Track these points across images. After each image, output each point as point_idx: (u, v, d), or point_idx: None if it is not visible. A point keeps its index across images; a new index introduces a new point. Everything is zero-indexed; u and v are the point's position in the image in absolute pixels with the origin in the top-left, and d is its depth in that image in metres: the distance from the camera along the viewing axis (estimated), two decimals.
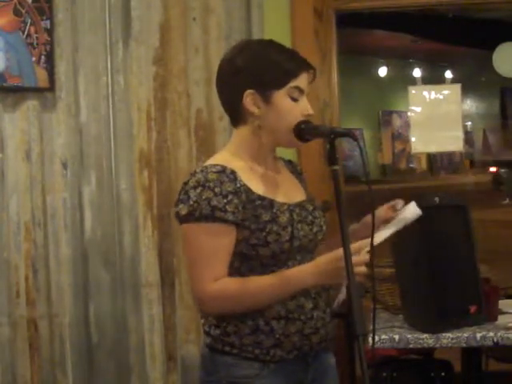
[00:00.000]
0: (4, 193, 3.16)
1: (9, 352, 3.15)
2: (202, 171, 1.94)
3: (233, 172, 1.94)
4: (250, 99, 1.98)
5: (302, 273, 1.91)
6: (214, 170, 1.93)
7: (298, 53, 2.05)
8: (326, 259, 1.88)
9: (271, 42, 2.06)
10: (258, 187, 1.98)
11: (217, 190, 1.90)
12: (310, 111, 2.01)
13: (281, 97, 1.97)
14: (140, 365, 3.31)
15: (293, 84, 1.98)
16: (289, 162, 2.22)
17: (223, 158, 2.01)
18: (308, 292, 1.98)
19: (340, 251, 1.80)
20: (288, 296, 1.94)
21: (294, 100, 1.98)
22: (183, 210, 1.92)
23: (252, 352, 1.96)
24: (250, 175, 1.99)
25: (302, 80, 1.99)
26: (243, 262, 1.96)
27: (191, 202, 1.90)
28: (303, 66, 2.00)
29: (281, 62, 1.98)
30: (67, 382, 3.23)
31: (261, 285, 1.92)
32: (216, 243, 1.91)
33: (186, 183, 1.95)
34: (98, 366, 3.28)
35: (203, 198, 1.89)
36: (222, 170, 1.93)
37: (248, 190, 1.95)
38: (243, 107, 1.99)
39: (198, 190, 1.90)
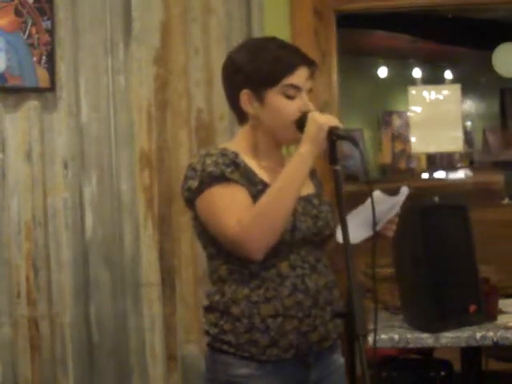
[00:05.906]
0: (5, 193, 3.16)
1: (10, 352, 3.15)
2: (204, 151, 1.99)
3: (235, 153, 1.96)
4: (245, 99, 1.99)
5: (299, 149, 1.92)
6: (215, 150, 1.98)
7: (296, 48, 2.02)
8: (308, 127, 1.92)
9: (270, 40, 2.04)
10: (261, 174, 1.99)
11: (220, 160, 1.93)
12: (309, 107, 1.99)
13: (274, 95, 1.97)
14: (141, 365, 3.31)
15: (287, 82, 1.96)
16: None
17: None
18: (307, 290, 1.95)
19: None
20: (304, 176, 1.93)
21: (290, 98, 1.97)
22: (194, 183, 1.94)
23: (248, 351, 1.94)
24: (253, 164, 2.00)
25: (298, 76, 1.97)
26: None
27: (199, 173, 1.93)
28: (299, 62, 1.98)
29: (273, 60, 1.96)
30: (68, 381, 3.23)
31: (276, 183, 1.90)
32: (233, 195, 1.91)
33: (189, 164, 1.98)
34: (99, 366, 3.28)
35: (208, 163, 1.93)
36: (224, 149, 1.97)
37: (251, 172, 1.96)
38: (241, 106, 2.01)
39: (202, 161, 1.94)
